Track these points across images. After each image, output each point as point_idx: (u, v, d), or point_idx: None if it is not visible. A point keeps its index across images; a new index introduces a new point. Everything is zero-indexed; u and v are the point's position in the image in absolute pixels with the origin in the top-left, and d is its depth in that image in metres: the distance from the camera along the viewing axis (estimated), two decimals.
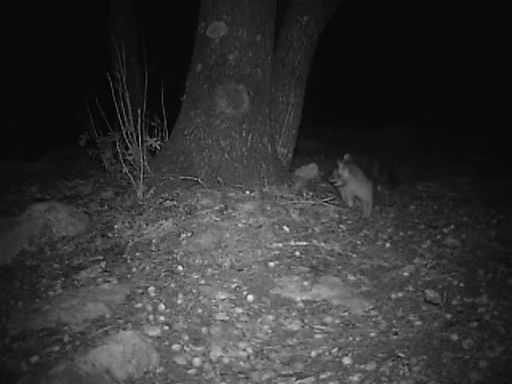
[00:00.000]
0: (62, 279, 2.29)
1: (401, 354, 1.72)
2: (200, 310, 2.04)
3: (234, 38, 3.32)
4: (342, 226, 2.97)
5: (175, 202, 3.00)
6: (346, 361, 1.73)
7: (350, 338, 1.88)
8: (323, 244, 2.67)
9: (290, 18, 3.77)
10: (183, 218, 2.83)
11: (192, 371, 1.69)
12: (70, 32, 7.38)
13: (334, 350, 1.80)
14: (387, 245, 2.73)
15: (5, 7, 6.76)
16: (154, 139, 3.34)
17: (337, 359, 1.75)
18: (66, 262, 2.48)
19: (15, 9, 7.11)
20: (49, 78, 7.45)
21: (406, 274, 2.37)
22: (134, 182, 3.17)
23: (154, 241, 2.64)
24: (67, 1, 7.26)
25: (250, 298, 2.16)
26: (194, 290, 2.19)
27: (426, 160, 5.13)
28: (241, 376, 1.67)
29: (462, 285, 2.22)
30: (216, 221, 2.79)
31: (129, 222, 2.80)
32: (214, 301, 2.12)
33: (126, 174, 3.27)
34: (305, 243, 2.66)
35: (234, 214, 2.86)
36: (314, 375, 1.66)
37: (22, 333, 1.86)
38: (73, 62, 7.24)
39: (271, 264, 2.45)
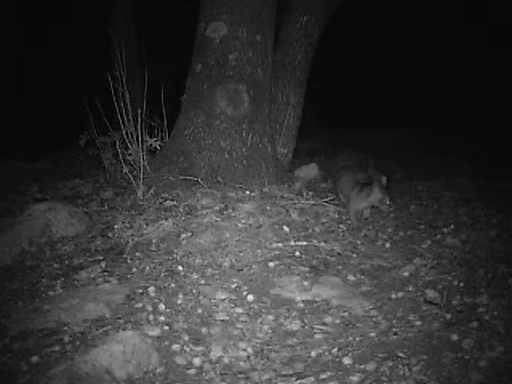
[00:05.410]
0: (62, 279, 2.29)
1: (401, 354, 1.72)
2: (200, 310, 2.04)
3: (234, 38, 3.32)
4: (341, 225, 2.98)
5: (175, 202, 3.00)
6: (346, 361, 1.72)
7: (350, 338, 1.88)
8: (323, 244, 2.67)
9: (290, 18, 3.78)
10: (183, 218, 2.83)
11: (192, 371, 1.69)
12: (70, 32, 7.38)
13: (334, 350, 1.80)
14: (387, 245, 2.73)
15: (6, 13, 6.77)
16: (154, 139, 3.34)
17: (337, 359, 1.75)
18: (66, 262, 2.48)
19: (17, 9, 7.12)
20: (49, 78, 7.45)
21: (405, 274, 2.37)
22: (134, 182, 3.17)
23: (153, 241, 2.64)
24: (68, 1, 7.27)
25: (250, 297, 2.16)
26: (194, 290, 2.19)
27: (425, 160, 5.13)
28: (241, 376, 1.66)
29: (462, 285, 2.21)
30: (216, 221, 2.79)
31: (129, 222, 2.80)
32: (213, 301, 2.12)
33: (126, 173, 3.28)
34: (305, 243, 2.66)
35: (233, 214, 2.86)
36: (314, 375, 1.65)
37: (22, 333, 1.86)
38: (73, 62, 7.25)
39: (271, 264, 2.45)
